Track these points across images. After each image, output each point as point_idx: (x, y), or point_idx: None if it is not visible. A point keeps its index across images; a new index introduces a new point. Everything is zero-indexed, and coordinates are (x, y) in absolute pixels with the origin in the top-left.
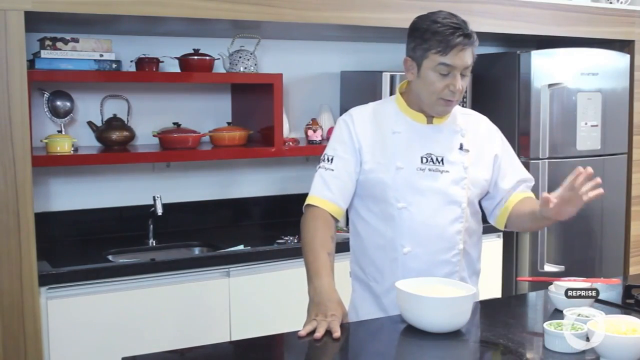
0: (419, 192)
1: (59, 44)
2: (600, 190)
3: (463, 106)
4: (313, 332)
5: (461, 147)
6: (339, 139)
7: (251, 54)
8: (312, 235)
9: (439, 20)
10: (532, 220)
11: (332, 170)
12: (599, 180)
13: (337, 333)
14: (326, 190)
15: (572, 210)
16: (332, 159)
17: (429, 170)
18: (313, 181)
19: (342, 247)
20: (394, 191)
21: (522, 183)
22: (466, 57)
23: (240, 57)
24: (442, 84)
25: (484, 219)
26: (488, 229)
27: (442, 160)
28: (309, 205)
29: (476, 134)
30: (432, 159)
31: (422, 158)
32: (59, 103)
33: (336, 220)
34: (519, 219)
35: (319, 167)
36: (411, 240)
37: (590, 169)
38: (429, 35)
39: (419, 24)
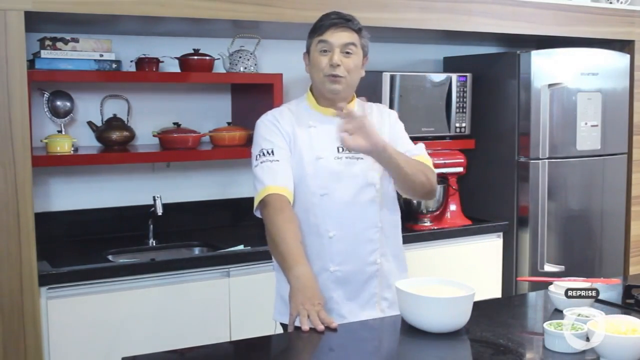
0: (338, 179)
1: (59, 44)
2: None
3: (463, 106)
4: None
5: None
6: (271, 133)
7: (251, 54)
8: (283, 226)
9: (323, 15)
10: (401, 182)
11: (278, 160)
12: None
13: (334, 324)
14: (281, 179)
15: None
16: (272, 151)
17: (346, 158)
18: (260, 175)
19: None
20: (315, 180)
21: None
22: (342, 36)
23: (240, 57)
24: (324, 61)
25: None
26: (488, 229)
27: None
28: (267, 196)
29: (380, 119)
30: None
31: (338, 148)
32: (59, 103)
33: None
34: (396, 183)
35: (261, 162)
36: (335, 224)
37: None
38: (313, 27)
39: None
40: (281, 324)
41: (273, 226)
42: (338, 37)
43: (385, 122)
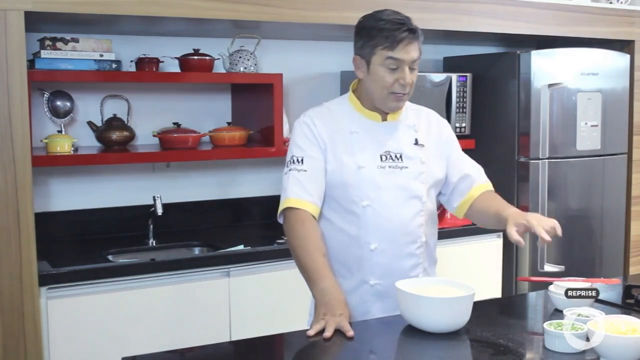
0: (381, 189)
1: (59, 44)
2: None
3: (463, 106)
4: (322, 332)
5: (416, 142)
6: (303, 139)
7: (251, 54)
8: (305, 239)
9: (384, 17)
10: (496, 223)
11: (305, 171)
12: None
13: (350, 332)
14: (303, 192)
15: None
16: (302, 160)
17: (389, 167)
18: (286, 184)
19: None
20: (357, 190)
21: (473, 174)
22: (412, 51)
23: (240, 57)
24: (392, 78)
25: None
26: (488, 229)
27: (400, 156)
28: (288, 208)
29: (428, 129)
30: (391, 156)
31: (381, 156)
32: (59, 103)
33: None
34: (482, 215)
35: (289, 169)
36: (377, 236)
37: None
38: (375, 32)
39: (365, 23)
40: None
41: (294, 239)
42: (409, 53)
43: (444, 130)
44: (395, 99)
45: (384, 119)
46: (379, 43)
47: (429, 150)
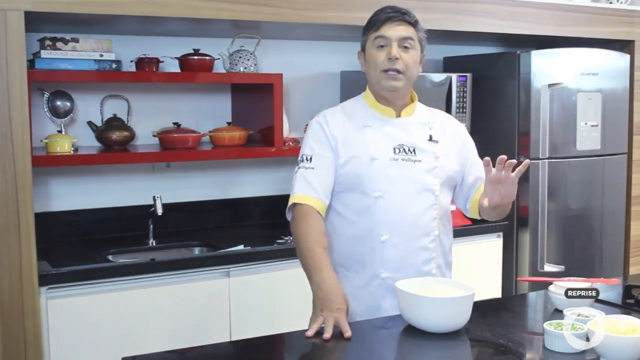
0: (393, 181)
1: (59, 44)
2: (526, 162)
3: (463, 106)
4: (321, 332)
5: (430, 138)
6: (314, 138)
7: (251, 54)
8: (305, 233)
9: (379, 9)
10: (493, 210)
11: (313, 168)
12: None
13: (348, 333)
14: (309, 189)
15: (510, 188)
16: (310, 158)
17: (402, 160)
18: (294, 181)
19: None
20: (369, 181)
21: (483, 175)
22: (399, 30)
23: (240, 57)
24: (382, 56)
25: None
26: (488, 229)
27: (414, 150)
28: (294, 204)
29: (443, 128)
30: (404, 149)
31: (394, 149)
32: (59, 103)
33: (321, 217)
34: (484, 210)
35: (299, 167)
36: (388, 228)
37: (510, 161)
38: (367, 23)
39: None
40: None
41: (296, 233)
42: (395, 30)
43: (460, 132)
44: (388, 77)
45: (398, 115)
46: (370, 27)
47: (443, 147)
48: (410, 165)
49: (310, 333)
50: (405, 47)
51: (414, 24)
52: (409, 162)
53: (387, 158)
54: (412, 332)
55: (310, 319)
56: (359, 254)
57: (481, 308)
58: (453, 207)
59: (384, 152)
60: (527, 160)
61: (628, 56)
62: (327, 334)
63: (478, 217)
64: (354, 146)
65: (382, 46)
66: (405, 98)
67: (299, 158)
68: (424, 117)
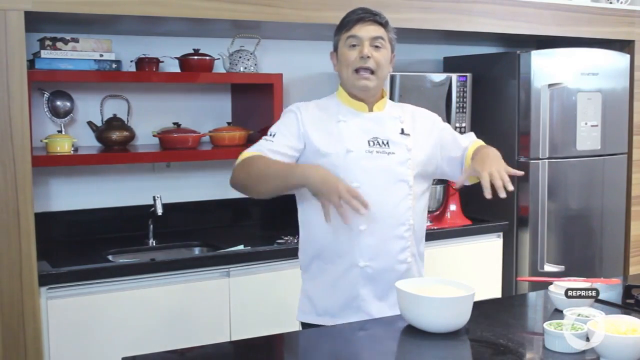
0: (369, 173)
1: (59, 44)
2: (520, 173)
3: (463, 106)
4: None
5: (402, 132)
6: (283, 122)
7: (251, 54)
8: (259, 159)
9: (349, 11)
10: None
11: (272, 142)
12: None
13: (364, 201)
14: (262, 151)
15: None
16: (274, 135)
17: (377, 152)
18: (251, 148)
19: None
20: (346, 173)
21: (468, 144)
22: (370, 30)
23: (240, 57)
24: (353, 55)
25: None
26: (488, 229)
27: (387, 142)
28: (243, 158)
29: (413, 120)
30: (378, 142)
31: (369, 142)
32: (59, 103)
33: None
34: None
35: (260, 141)
36: (366, 217)
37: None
38: (339, 24)
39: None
40: (303, 324)
41: (251, 166)
42: (367, 30)
43: (434, 130)
44: (359, 76)
45: (370, 110)
46: (342, 28)
47: (415, 140)
48: (385, 157)
49: (329, 219)
50: (377, 47)
51: (385, 24)
52: (384, 154)
53: (362, 150)
54: (412, 332)
55: (323, 210)
56: (337, 244)
57: (481, 308)
58: (425, 200)
59: (359, 144)
60: (521, 173)
61: (628, 56)
62: (363, 209)
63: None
64: (329, 141)
65: (353, 45)
66: (376, 95)
67: (264, 136)
68: (395, 111)
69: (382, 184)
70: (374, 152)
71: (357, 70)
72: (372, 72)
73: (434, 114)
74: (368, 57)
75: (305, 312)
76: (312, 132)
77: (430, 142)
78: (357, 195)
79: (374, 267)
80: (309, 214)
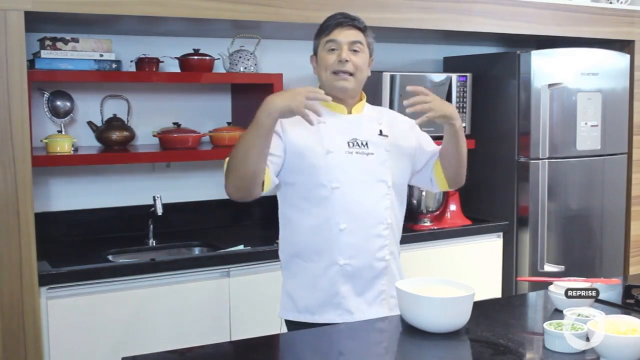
0: (348, 173)
1: (59, 44)
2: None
3: (463, 106)
4: None
5: (381, 133)
6: None
7: (251, 54)
8: (232, 150)
9: (329, 16)
10: (445, 153)
11: None
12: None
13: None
14: None
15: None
16: None
17: (356, 153)
18: None
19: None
20: (326, 173)
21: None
22: (349, 34)
23: (240, 57)
24: (332, 58)
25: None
26: (488, 229)
27: (366, 144)
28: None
29: (390, 122)
30: (357, 143)
31: (348, 143)
32: (59, 103)
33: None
34: (446, 167)
35: None
36: (345, 217)
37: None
38: (319, 28)
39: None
40: (286, 321)
41: (230, 158)
42: (345, 35)
43: (412, 133)
44: (337, 78)
45: (349, 112)
46: (321, 32)
47: (392, 141)
48: (364, 158)
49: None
50: (355, 51)
51: (363, 29)
52: (363, 155)
53: (342, 151)
54: (412, 332)
55: (295, 109)
56: (317, 243)
57: (481, 308)
58: (403, 199)
59: (339, 145)
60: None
61: (628, 56)
62: (326, 96)
63: (448, 189)
64: (309, 141)
65: (332, 49)
66: (355, 98)
67: None
68: (373, 114)
69: (362, 184)
70: (353, 153)
71: (335, 72)
72: (351, 74)
73: (411, 119)
74: (346, 60)
75: (287, 309)
76: (291, 134)
77: (409, 144)
78: (317, 91)
79: (353, 265)
80: (288, 212)
